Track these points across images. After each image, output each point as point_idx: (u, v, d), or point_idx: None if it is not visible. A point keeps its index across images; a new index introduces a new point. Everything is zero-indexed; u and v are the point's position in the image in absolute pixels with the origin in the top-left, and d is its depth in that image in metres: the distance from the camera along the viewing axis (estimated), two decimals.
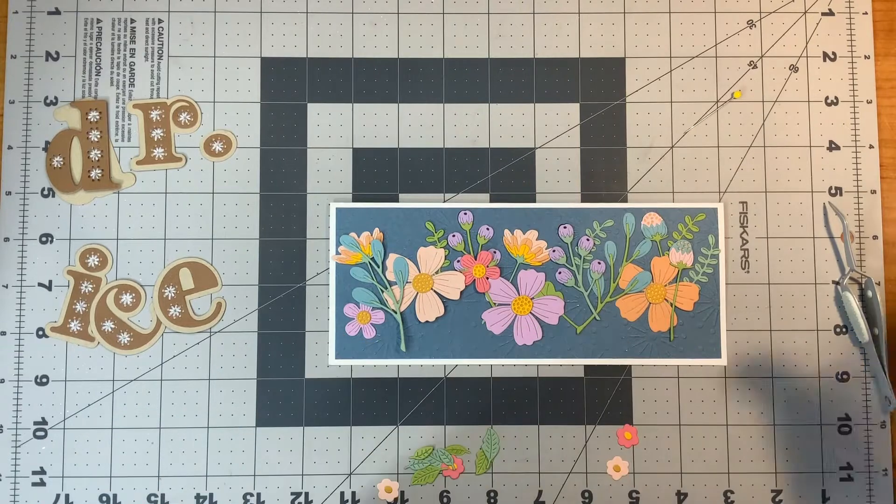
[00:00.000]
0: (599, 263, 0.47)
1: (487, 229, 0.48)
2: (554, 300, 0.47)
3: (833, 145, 0.49)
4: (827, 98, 0.49)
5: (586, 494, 0.47)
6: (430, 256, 0.47)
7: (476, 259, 0.47)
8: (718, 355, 0.47)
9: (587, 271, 0.47)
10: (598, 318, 0.47)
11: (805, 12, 0.50)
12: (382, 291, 0.47)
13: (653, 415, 0.47)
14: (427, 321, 0.47)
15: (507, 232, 0.48)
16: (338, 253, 0.47)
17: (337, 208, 0.48)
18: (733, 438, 0.47)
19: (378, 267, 0.47)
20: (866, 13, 0.50)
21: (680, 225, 0.48)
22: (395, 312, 0.47)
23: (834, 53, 0.49)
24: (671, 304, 0.47)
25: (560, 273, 0.47)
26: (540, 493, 0.47)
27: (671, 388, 0.47)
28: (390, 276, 0.47)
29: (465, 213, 0.48)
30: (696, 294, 0.47)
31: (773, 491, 0.47)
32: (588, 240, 0.47)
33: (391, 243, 0.48)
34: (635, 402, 0.47)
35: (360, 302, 0.47)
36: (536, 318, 0.47)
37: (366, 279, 0.47)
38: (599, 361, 0.47)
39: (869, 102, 0.49)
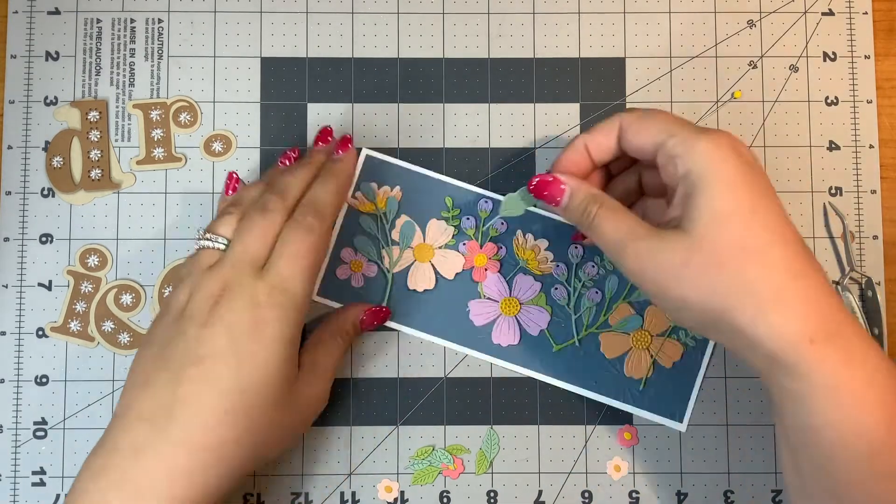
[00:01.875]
0: (597, 293, 0.47)
1: (502, 223, 0.48)
2: (541, 312, 0.47)
3: (833, 145, 0.49)
4: (827, 98, 0.49)
5: (586, 494, 0.47)
6: (440, 231, 0.47)
7: (481, 248, 0.47)
8: (680, 420, 0.47)
9: (582, 296, 0.47)
10: (577, 343, 0.47)
11: (805, 12, 0.50)
12: (382, 248, 0.47)
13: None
14: (415, 290, 0.47)
15: (519, 232, 0.47)
16: (354, 197, 0.47)
17: (367, 154, 0.48)
18: (733, 438, 0.47)
19: (387, 224, 0.47)
20: (866, 13, 0.50)
21: None
22: (388, 272, 0.47)
23: (834, 53, 0.49)
24: (652, 356, 0.47)
25: (556, 289, 0.47)
26: (540, 492, 0.47)
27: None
28: (395, 235, 0.47)
29: (486, 202, 0.48)
30: (678, 354, 0.47)
31: (773, 491, 0.47)
32: (594, 266, 0.47)
33: (406, 205, 0.47)
34: None
35: (358, 250, 0.47)
36: (519, 323, 0.47)
37: (371, 230, 0.47)
38: (564, 385, 0.47)
39: (869, 102, 0.49)
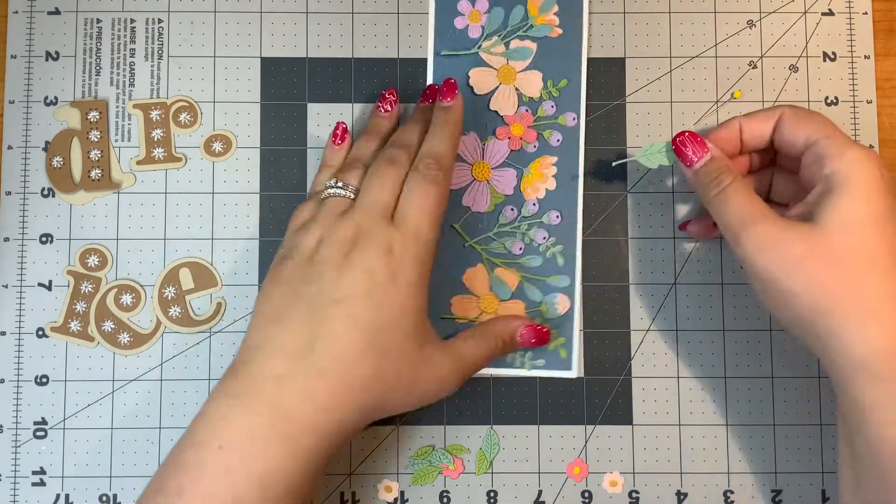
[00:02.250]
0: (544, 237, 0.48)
1: (552, 106, 0.48)
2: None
3: None
4: (827, 98, 0.49)
5: (586, 494, 0.47)
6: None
7: (520, 119, 0.48)
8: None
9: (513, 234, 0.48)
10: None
11: (805, 12, 0.50)
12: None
13: (653, 415, 0.47)
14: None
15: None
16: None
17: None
18: (733, 438, 0.47)
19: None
20: (866, 13, 0.50)
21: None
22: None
23: (834, 53, 0.49)
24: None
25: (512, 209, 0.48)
26: (540, 492, 0.47)
27: (671, 388, 0.47)
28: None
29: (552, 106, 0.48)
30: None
31: (773, 491, 0.47)
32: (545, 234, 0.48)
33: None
34: (635, 402, 0.47)
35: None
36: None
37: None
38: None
39: (869, 102, 0.49)
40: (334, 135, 0.47)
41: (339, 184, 0.43)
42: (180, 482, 0.36)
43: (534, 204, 0.48)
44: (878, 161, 0.38)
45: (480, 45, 0.48)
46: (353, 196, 0.42)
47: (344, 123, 0.47)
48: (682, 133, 0.42)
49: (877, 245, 0.37)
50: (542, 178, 0.48)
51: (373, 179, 0.42)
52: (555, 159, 0.48)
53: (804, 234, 0.37)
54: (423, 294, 0.41)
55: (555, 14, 0.48)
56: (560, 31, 0.48)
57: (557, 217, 0.48)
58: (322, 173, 0.46)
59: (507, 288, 0.47)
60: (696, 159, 0.42)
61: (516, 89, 0.48)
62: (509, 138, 0.48)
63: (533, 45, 0.48)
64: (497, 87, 0.48)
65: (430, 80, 0.48)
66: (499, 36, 0.48)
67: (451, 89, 0.45)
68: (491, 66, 0.48)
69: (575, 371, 0.47)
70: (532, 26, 0.48)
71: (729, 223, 0.40)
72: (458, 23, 0.49)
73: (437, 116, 0.45)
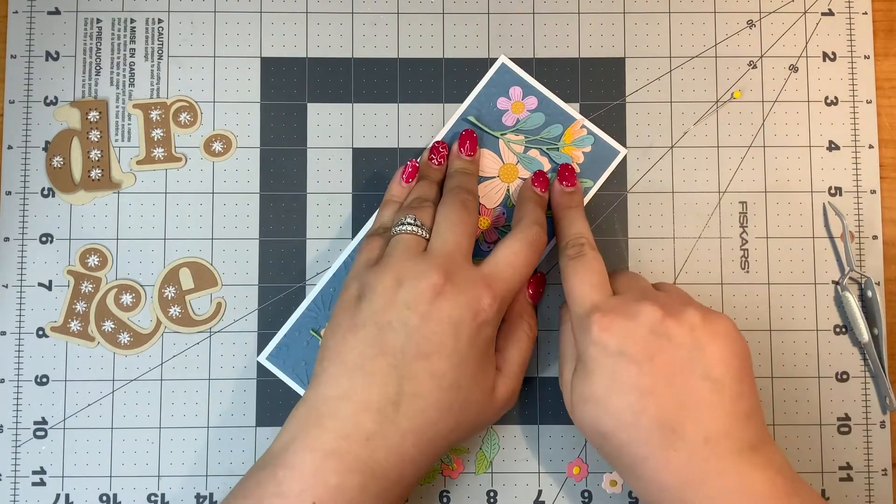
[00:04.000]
0: None
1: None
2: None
3: (833, 145, 0.49)
4: (827, 98, 0.49)
5: (586, 494, 0.47)
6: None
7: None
8: None
9: None
10: None
11: (805, 12, 0.50)
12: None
13: None
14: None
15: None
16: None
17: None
18: None
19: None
20: (866, 13, 0.50)
21: None
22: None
23: (834, 53, 0.49)
24: None
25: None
26: (540, 492, 0.47)
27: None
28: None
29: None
30: None
31: None
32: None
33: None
34: None
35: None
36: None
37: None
38: None
39: (869, 102, 0.49)
40: (404, 170, 0.46)
41: (414, 220, 0.41)
42: None
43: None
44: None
45: (505, 134, 0.48)
46: (427, 235, 0.41)
47: (416, 161, 0.46)
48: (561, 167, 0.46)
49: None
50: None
51: (449, 221, 0.41)
52: None
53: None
54: (493, 346, 0.41)
55: (583, 153, 0.48)
56: (577, 169, 0.48)
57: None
58: (387, 209, 0.45)
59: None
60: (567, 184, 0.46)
61: (507, 190, 0.48)
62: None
63: (547, 165, 0.48)
64: (493, 178, 0.48)
65: (442, 133, 0.48)
66: (525, 137, 0.48)
67: (472, 142, 0.47)
68: (500, 157, 0.48)
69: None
70: (558, 149, 0.48)
71: (575, 300, 0.41)
72: (501, 103, 0.48)
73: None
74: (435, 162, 0.46)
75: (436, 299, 0.38)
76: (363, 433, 0.37)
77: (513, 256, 0.41)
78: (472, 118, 0.48)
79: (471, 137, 0.46)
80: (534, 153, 0.48)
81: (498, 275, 0.40)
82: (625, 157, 0.48)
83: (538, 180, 0.46)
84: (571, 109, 0.48)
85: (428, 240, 0.41)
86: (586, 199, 0.48)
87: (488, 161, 0.48)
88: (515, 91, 0.49)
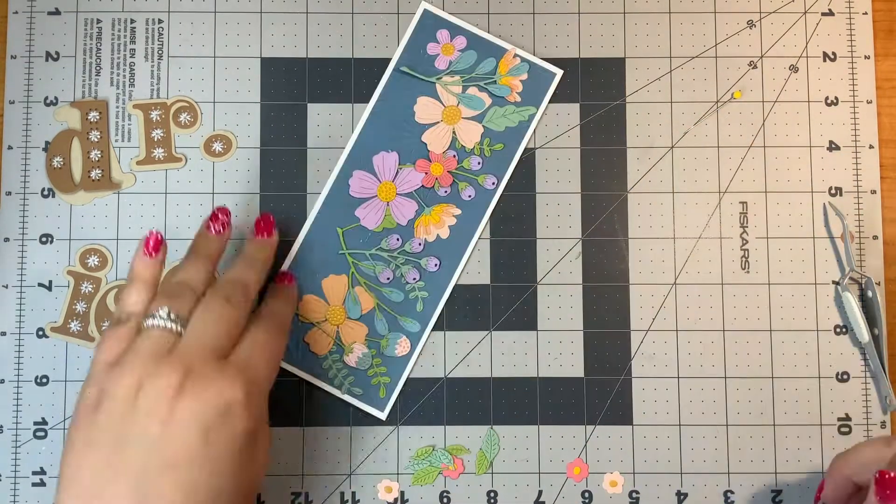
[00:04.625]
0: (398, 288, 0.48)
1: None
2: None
3: (833, 145, 0.49)
4: (827, 98, 0.49)
5: (586, 494, 0.47)
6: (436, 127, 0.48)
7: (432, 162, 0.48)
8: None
9: (399, 271, 0.47)
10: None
11: (805, 12, 0.50)
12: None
13: (653, 415, 0.47)
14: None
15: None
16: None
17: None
18: (733, 438, 0.47)
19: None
20: (866, 13, 0.50)
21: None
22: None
23: (834, 53, 0.49)
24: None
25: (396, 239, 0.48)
26: (540, 492, 0.47)
27: (671, 388, 0.47)
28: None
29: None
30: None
31: (773, 491, 0.47)
32: (415, 273, 0.48)
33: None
34: (635, 402, 0.47)
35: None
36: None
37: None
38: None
39: (869, 102, 0.49)
40: (146, 244, 0.40)
41: (168, 313, 0.37)
42: None
43: (419, 244, 0.47)
44: None
45: (440, 78, 0.48)
46: (180, 330, 0.36)
47: (159, 233, 0.41)
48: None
49: None
50: (438, 223, 0.48)
51: (206, 314, 0.37)
52: (458, 212, 0.48)
53: None
54: (261, 437, 0.37)
55: (521, 81, 0.48)
56: (518, 98, 0.48)
57: (436, 265, 0.47)
58: (132, 290, 0.39)
59: (359, 308, 0.47)
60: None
61: (454, 132, 0.48)
62: (426, 174, 0.48)
63: (487, 100, 0.48)
64: (437, 123, 0.48)
65: (381, 86, 0.48)
66: (461, 77, 0.48)
67: (269, 226, 0.44)
68: (440, 101, 0.48)
69: (384, 415, 0.46)
70: (495, 82, 0.48)
71: None
72: (431, 48, 0.48)
73: (249, 248, 0.43)
74: (212, 231, 0.42)
75: (177, 400, 0.34)
76: None
77: (257, 345, 0.38)
78: (405, 69, 0.48)
79: (266, 220, 0.44)
80: (472, 91, 0.48)
81: (246, 361, 0.37)
82: (561, 77, 0.48)
83: (266, 224, 0.44)
84: (501, 41, 0.48)
85: (181, 335, 0.37)
86: (529, 142, 0.48)
87: (429, 108, 0.48)
88: (443, 34, 0.49)
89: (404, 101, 0.48)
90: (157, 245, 0.40)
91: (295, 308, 0.46)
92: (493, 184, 0.48)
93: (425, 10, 0.49)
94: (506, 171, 0.48)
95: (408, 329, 0.47)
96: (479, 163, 0.48)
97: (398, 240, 0.47)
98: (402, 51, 0.48)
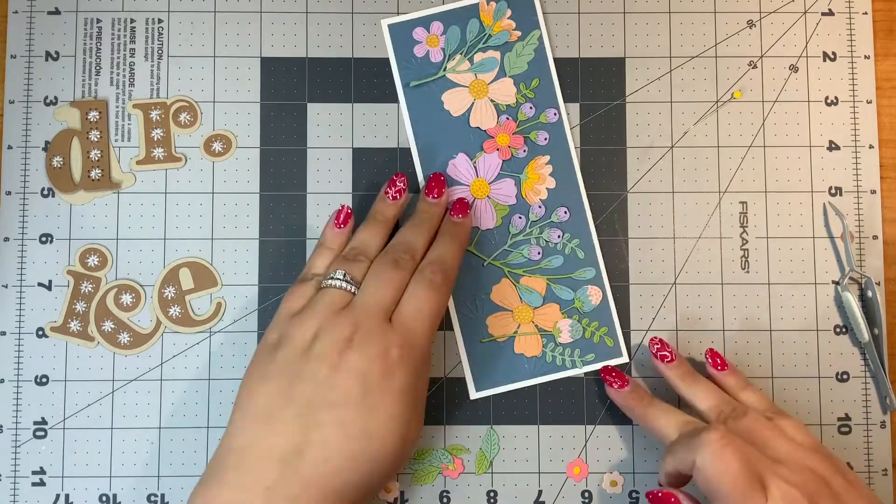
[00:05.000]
0: (538, 252, 0.48)
1: (531, 108, 0.48)
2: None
3: (833, 145, 0.49)
4: (827, 98, 0.49)
5: (586, 494, 0.47)
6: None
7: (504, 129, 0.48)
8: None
9: (526, 242, 0.48)
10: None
11: (805, 12, 0.50)
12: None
13: None
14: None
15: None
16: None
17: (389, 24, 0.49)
18: None
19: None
20: (866, 13, 0.50)
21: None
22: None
23: (834, 53, 0.49)
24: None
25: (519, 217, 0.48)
26: (540, 492, 0.47)
27: (671, 389, 0.47)
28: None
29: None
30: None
31: None
32: (559, 236, 0.48)
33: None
34: None
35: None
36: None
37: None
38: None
39: (869, 102, 0.49)
40: (336, 216, 0.46)
41: (344, 275, 0.42)
42: None
43: (539, 206, 0.48)
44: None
45: (445, 67, 0.48)
46: (354, 290, 0.41)
47: (349, 207, 0.46)
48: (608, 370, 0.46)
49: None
50: (539, 180, 0.48)
51: (376, 278, 0.41)
52: (547, 158, 0.48)
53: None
54: (415, 400, 0.40)
55: (509, 19, 0.48)
56: (518, 33, 0.48)
57: (566, 213, 0.48)
58: (320, 255, 0.45)
59: (536, 295, 0.47)
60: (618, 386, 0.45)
61: (491, 101, 0.48)
62: (498, 149, 0.48)
63: (497, 54, 0.48)
64: (472, 104, 0.48)
65: (404, 111, 0.48)
66: (461, 53, 0.48)
67: (464, 208, 0.46)
68: (461, 85, 0.48)
69: (625, 356, 0.47)
70: (490, 36, 0.48)
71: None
72: (418, 51, 0.49)
73: (448, 228, 0.45)
74: (390, 196, 0.46)
75: (345, 351, 0.39)
76: (263, 483, 0.37)
77: (416, 301, 0.41)
78: (413, 83, 0.48)
79: (437, 180, 0.46)
80: (478, 56, 0.48)
81: (406, 324, 0.40)
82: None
83: (456, 207, 0.46)
84: (466, 2, 0.48)
85: (355, 294, 0.41)
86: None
87: (456, 98, 0.48)
88: (419, 32, 0.49)
89: (433, 108, 0.48)
90: (346, 218, 0.46)
91: (466, 244, 0.46)
92: (555, 114, 0.48)
93: (389, 26, 0.49)
94: (556, 97, 0.48)
95: (587, 278, 0.48)
96: (531, 108, 0.48)
97: (521, 217, 0.48)
98: (397, 70, 0.48)
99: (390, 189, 0.46)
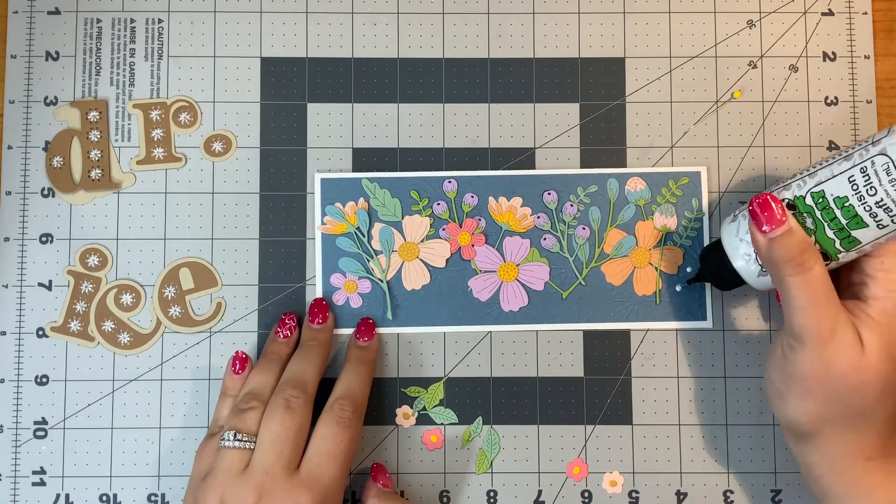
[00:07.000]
0: (584, 229, 0.48)
1: (472, 197, 0.48)
2: (539, 266, 0.47)
3: (833, 145, 0.49)
4: (827, 98, 0.49)
5: (586, 494, 0.47)
6: (416, 225, 0.47)
7: (461, 227, 0.47)
8: (704, 317, 0.47)
9: (572, 237, 0.48)
10: (583, 282, 0.47)
11: (805, 12, 0.50)
12: (369, 261, 0.47)
13: (652, 415, 0.47)
14: (413, 289, 0.47)
15: (491, 199, 0.48)
16: (323, 223, 0.47)
17: (321, 178, 0.48)
18: (733, 438, 0.47)
19: (364, 237, 0.47)
20: (866, 13, 0.50)
21: (664, 189, 0.48)
22: (382, 281, 0.47)
23: (834, 53, 0.49)
24: (656, 268, 0.47)
25: (545, 239, 0.48)
26: (540, 492, 0.47)
27: (671, 389, 0.47)
28: (376, 245, 0.47)
29: (450, 182, 0.48)
30: (680, 258, 0.48)
31: (772, 491, 0.47)
32: (572, 205, 0.48)
33: (375, 213, 0.48)
34: (635, 403, 0.47)
35: (346, 272, 0.47)
36: (522, 284, 0.47)
37: (352, 249, 0.47)
38: (586, 326, 0.47)
39: (869, 102, 0.49)
40: (233, 363, 0.45)
41: (236, 435, 0.41)
42: None
43: (568, 217, 0.48)
44: None
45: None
46: (251, 446, 0.41)
47: (243, 353, 0.46)
48: (762, 195, 0.39)
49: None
50: (518, 226, 0.48)
51: (271, 432, 0.40)
52: (528, 211, 0.48)
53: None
54: None
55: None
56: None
57: (573, 206, 0.48)
58: (223, 404, 0.45)
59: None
60: (774, 226, 0.38)
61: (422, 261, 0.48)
62: (459, 245, 0.47)
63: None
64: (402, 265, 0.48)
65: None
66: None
67: (368, 329, 0.46)
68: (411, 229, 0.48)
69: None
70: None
71: (797, 319, 0.39)
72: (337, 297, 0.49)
73: (354, 354, 0.45)
74: (281, 335, 0.46)
75: None
76: None
77: (328, 445, 0.41)
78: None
79: (320, 305, 0.46)
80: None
81: (315, 472, 0.40)
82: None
83: (361, 330, 0.46)
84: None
85: (254, 449, 0.41)
86: None
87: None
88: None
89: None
90: (242, 364, 0.45)
91: (374, 367, 0.46)
92: (473, 197, 0.48)
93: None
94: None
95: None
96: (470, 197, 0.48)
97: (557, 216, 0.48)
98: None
99: (281, 329, 0.46)
